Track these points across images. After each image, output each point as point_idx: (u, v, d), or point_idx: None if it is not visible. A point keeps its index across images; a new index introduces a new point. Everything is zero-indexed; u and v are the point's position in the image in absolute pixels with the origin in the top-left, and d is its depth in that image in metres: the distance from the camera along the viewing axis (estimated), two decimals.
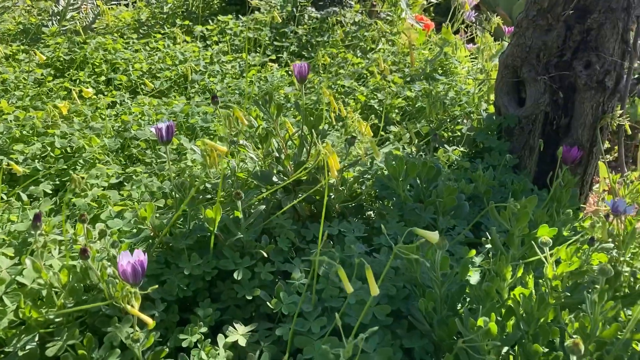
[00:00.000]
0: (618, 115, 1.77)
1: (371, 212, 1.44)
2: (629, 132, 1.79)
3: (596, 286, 0.98)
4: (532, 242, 1.09)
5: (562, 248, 1.06)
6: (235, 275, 1.14)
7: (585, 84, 1.72)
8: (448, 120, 1.97)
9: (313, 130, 1.25)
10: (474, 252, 1.25)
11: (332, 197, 1.31)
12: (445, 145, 1.82)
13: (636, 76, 3.18)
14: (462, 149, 1.83)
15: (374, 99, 1.96)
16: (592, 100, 1.74)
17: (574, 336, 0.96)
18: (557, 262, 1.10)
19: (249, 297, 1.13)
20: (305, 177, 1.35)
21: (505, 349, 1.03)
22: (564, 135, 1.81)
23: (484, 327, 0.91)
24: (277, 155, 1.32)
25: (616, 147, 2.09)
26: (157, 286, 0.93)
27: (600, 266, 0.87)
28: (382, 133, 1.87)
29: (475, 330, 0.92)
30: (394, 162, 1.34)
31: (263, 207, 1.18)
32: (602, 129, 1.80)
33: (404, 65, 2.21)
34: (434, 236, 0.81)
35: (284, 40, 2.40)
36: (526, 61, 1.78)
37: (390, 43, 2.41)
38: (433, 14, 3.63)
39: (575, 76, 1.73)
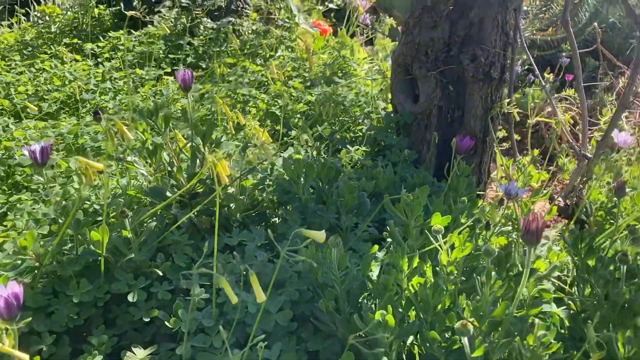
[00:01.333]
0: (506, 104, 1.85)
1: (275, 219, 1.42)
2: (517, 119, 1.87)
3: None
4: (426, 231, 1.11)
5: (454, 234, 1.08)
6: (129, 297, 1.08)
7: (473, 77, 1.79)
8: (350, 121, 1.99)
9: (205, 139, 1.21)
10: (376, 247, 1.26)
11: (232, 207, 1.28)
12: (348, 146, 1.84)
13: (526, 67, 3.37)
14: (364, 148, 1.85)
15: (275, 106, 1.95)
16: (481, 91, 1.82)
17: (470, 319, 0.98)
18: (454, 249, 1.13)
19: (147, 319, 1.08)
20: (201, 189, 1.31)
21: (410, 338, 1.04)
22: (459, 127, 1.87)
23: (381, 320, 0.91)
24: (169, 168, 1.27)
25: (515, 136, 2.18)
26: (30, 319, 0.86)
27: (484, 248, 0.90)
28: (286, 139, 1.86)
29: (373, 324, 0.92)
30: (292, 166, 1.32)
31: (154, 224, 1.13)
32: (493, 118, 1.88)
33: (303, 70, 2.22)
34: (320, 235, 0.80)
35: (179, 52, 2.34)
36: (416, 58, 1.83)
37: (289, 49, 2.42)
38: (334, 20, 3.68)
39: (463, 70, 1.80)
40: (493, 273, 0.93)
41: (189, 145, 1.27)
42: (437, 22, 1.78)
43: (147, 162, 1.25)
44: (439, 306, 1.01)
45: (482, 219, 1.51)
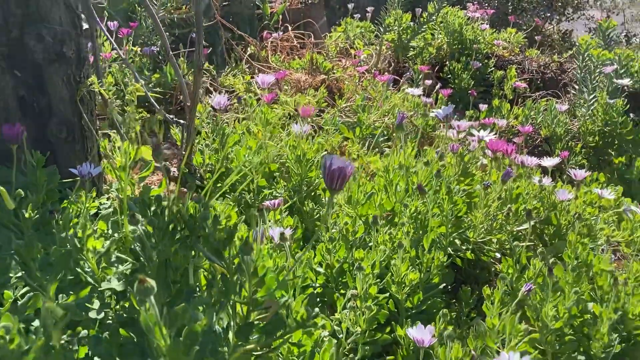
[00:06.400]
0: (90, 83, 1.75)
1: None
2: (107, 97, 1.79)
3: None
4: None
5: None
6: None
7: (45, 58, 1.64)
8: None
9: None
10: None
11: None
12: None
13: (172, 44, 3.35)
14: None
15: None
16: (60, 73, 1.67)
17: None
18: None
19: None
20: None
21: None
22: (50, 116, 1.71)
23: None
24: None
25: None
26: None
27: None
28: None
29: None
30: None
31: None
32: (83, 100, 1.76)
33: None
34: None
35: None
36: None
37: None
38: None
39: (32, 52, 1.63)
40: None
41: None
42: None
43: None
44: None
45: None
